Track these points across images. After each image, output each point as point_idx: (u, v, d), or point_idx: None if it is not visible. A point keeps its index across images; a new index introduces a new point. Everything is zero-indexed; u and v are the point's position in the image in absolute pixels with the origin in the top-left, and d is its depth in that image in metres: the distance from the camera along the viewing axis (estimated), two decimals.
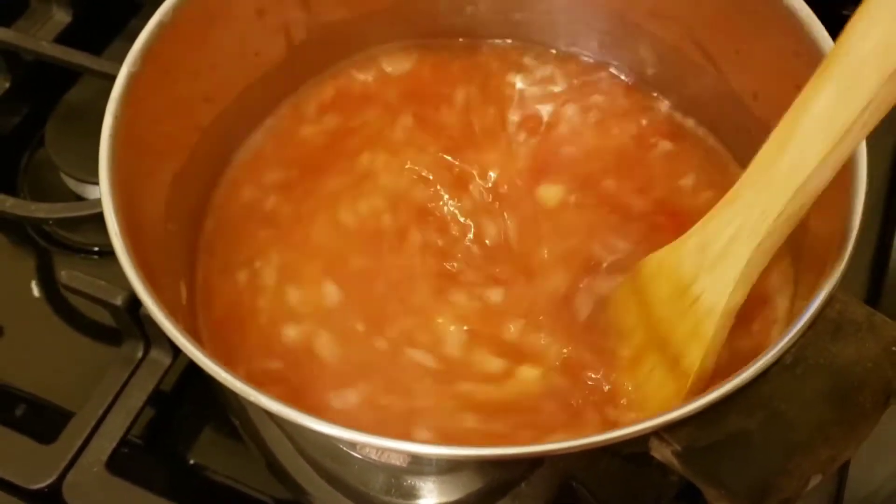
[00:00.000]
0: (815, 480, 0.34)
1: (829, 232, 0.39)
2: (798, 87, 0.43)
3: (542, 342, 0.46)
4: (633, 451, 0.39)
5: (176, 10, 0.45)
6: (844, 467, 0.50)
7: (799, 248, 0.44)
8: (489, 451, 0.35)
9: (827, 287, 0.36)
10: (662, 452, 0.35)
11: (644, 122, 0.53)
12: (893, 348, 0.35)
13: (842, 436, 0.34)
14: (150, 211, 0.44)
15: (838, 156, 0.35)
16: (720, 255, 0.37)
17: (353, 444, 0.39)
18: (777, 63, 0.46)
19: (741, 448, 0.34)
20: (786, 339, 0.35)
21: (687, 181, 0.51)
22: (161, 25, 0.45)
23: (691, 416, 0.34)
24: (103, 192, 0.40)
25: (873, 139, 0.62)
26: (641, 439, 0.35)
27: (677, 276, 0.39)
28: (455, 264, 0.49)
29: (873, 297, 0.59)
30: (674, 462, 0.35)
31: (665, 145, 0.53)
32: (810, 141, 0.35)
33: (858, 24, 0.34)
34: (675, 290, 0.39)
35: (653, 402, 0.41)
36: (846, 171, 0.38)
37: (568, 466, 0.40)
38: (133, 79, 0.43)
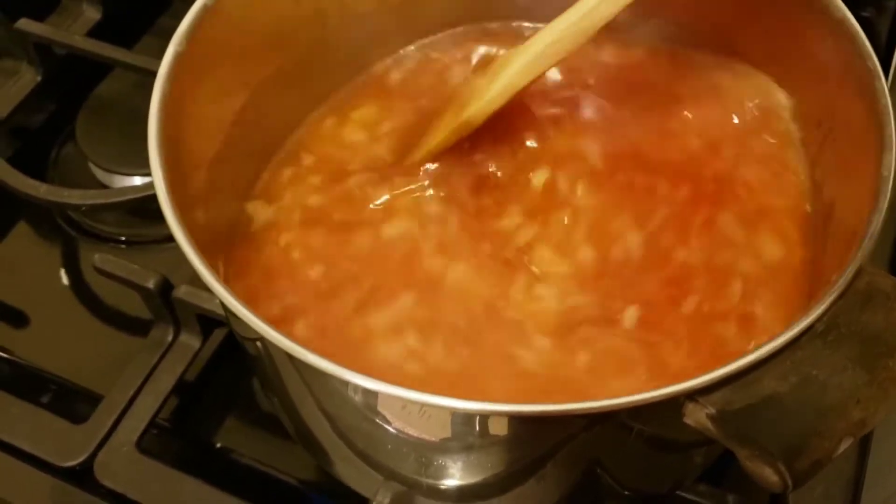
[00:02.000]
0: (847, 443, 0.35)
1: (857, 205, 0.40)
2: (825, 75, 0.45)
3: None
4: (659, 430, 0.40)
5: None
6: (860, 477, 0.52)
7: (827, 221, 0.45)
8: (519, 407, 0.36)
9: (857, 259, 0.37)
10: (697, 416, 0.36)
11: None
12: None
13: (873, 398, 0.35)
14: (193, 188, 0.46)
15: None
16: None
17: (389, 406, 0.39)
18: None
19: (775, 410, 0.35)
20: (818, 309, 0.36)
21: None
22: (204, 8, 0.46)
23: (726, 380, 0.35)
24: (153, 164, 0.41)
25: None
26: (674, 404, 0.36)
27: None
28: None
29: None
30: (708, 425, 0.35)
31: None
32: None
33: None
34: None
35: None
36: (875, 141, 0.40)
37: (595, 439, 0.41)
38: (178, 58, 0.44)
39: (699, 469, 0.49)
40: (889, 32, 0.71)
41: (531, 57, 0.49)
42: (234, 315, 0.38)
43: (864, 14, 0.70)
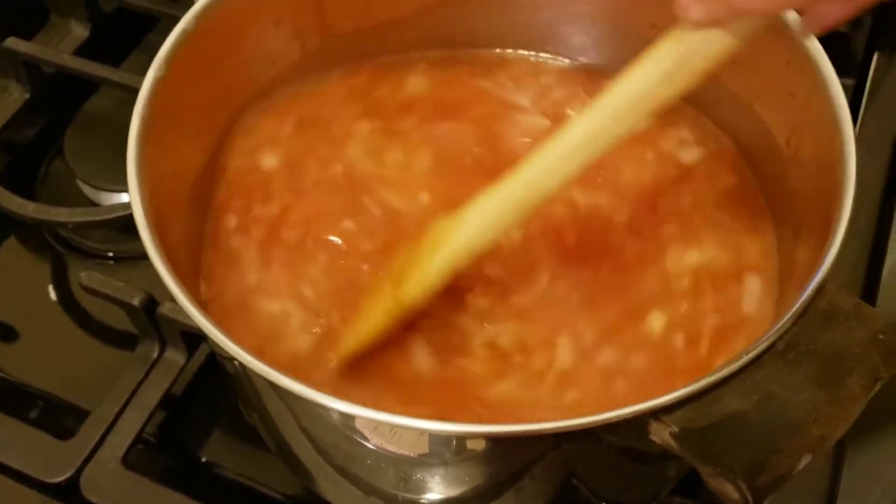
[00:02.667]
0: (807, 459, 0.36)
1: (821, 224, 0.41)
2: (791, 94, 0.46)
3: None
4: (631, 443, 0.41)
5: (198, 19, 0.48)
6: (835, 490, 0.52)
7: (796, 241, 0.46)
8: (484, 428, 0.37)
9: (817, 277, 0.38)
10: (661, 434, 0.37)
11: None
12: (880, 336, 0.37)
13: (832, 416, 0.36)
14: (174, 209, 0.46)
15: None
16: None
17: (364, 426, 0.40)
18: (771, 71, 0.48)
19: (736, 428, 0.36)
20: (778, 326, 0.37)
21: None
22: (184, 33, 0.47)
23: (688, 399, 0.36)
24: (131, 188, 0.42)
25: (869, 142, 0.65)
26: (640, 421, 0.36)
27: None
28: None
29: (869, 300, 0.61)
30: (672, 443, 0.36)
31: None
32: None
33: None
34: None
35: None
36: (838, 165, 0.41)
37: (570, 454, 0.42)
38: (159, 83, 0.45)
39: (673, 481, 0.50)
40: (865, 48, 0.72)
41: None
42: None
43: (841, 29, 0.70)
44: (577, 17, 0.56)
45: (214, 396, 0.60)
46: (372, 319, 0.46)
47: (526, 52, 0.58)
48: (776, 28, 0.44)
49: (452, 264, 0.44)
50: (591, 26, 0.56)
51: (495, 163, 0.52)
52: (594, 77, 0.57)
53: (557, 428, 0.36)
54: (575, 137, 0.41)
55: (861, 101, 0.68)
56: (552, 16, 0.56)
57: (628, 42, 0.44)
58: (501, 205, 0.43)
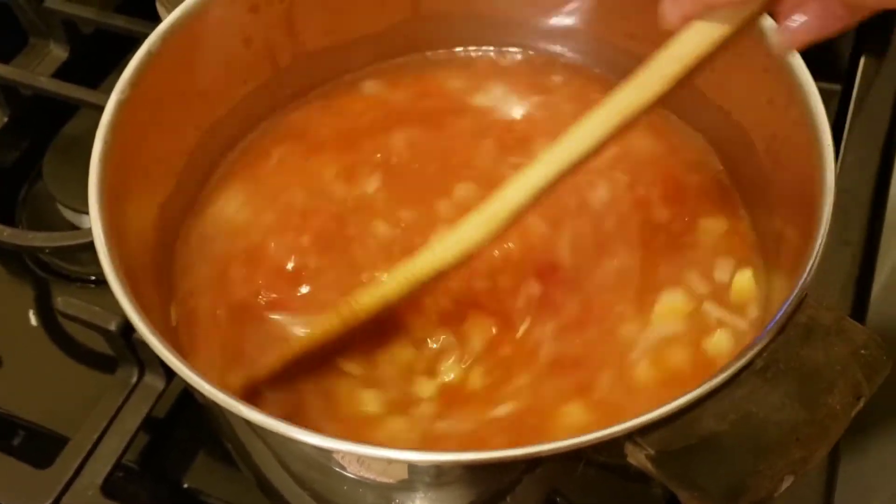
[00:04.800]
0: (788, 481, 0.34)
1: (800, 242, 0.40)
2: (770, 101, 0.45)
3: None
4: (610, 461, 0.40)
5: (164, 40, 0.47)
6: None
7: (778, 253, 0.45)
8: (460, 455, 0.36)
9: (796, 291, 0.37)
10: (637, 457, 0.35)
11: None
12: (862, 351, 0.36)
13: (813, 436, 0.35)
14: (140, 234, 0.46)
15: None
16: None
17: (342, 458, 0.39)
18: (749, 79, 0.47)
19: (714, 450, 0.34)
20: (756, 344, 0.36)
21: None
22: (149, 54, 0.46)
23: (664, 420, 0.35)
24: (92, 215, 0.41)
25: (858, 149, 0.64)
26: (616, 444, 0.35)
27: None
28: None
29: (858, 316, 0.60)
30: (648, 466, 0.35)
31: None
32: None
33: None
34: None
35: None
36: (816, 180, 0.40)
37: (549, 474, 0.41)
38: (122, 105, 0.45)
39: (661, 500, 0.49)
40: (851, 53, 0.71)
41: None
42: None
43: None
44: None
45: (197, 421, 0.59)
46: (322, 324, 0.46)
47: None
48: (753, 36, 0.44)
49: (412, 281, 0.44)
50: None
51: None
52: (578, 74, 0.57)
53: (529, 454, 0.35)
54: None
55: (848, 107, 0.67)
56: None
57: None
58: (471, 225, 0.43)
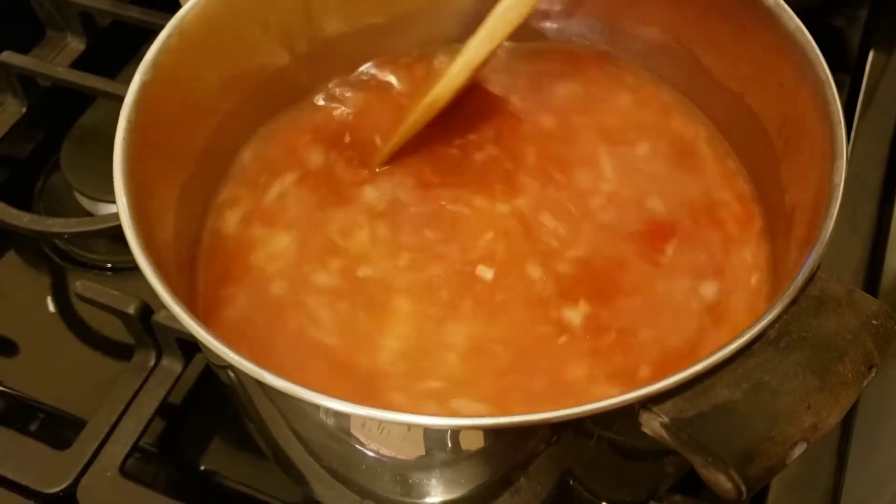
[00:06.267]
0: (801, 448, 0.35)
1: (812, 212, 0.40)
2: (781, 84, 0.46)
3: None
4: (622, 437, 0.40)
5: (184, 23, 0.48)
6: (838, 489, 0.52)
7: (789, 229, 0.45)
8: (476, 421, 0.37)
9: (807, 263, 0.38)
10: (651, 425, 0.36)
11: None
12: (873, 321, 0.37)
13: (824, 403, 0.35)
14: (162, 216, 0.46)
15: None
16: None
17: (355, 426, 0.40)
18: (760, 62, 0.48)
19: (727, 417, 0.35)
20: (768, 314, 0.37)
21: None
22: (171, 37, 0.47)
23: (678, 388, 0.35)
24: (117, 190, 0.42)
25: (868, 138, 0.65)
26: (630, 411, 0.36)
27: None
28: None
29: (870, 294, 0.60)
30: (662, 433, 0.36)
31: None
32: None
33: None
34: None
35: None
36: (828, 148, 0.40)
37: (563, 449, 0.41)
38: (145, 86, 0.45)
39: (671, 478, 0.49)
40: (861, 42, 0.71)
41: (485, 32, 0.51)
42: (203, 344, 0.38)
43: (836, 24, 0.70)
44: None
45: (214, 404, 0.60)
46: (407, 122, 0.53)
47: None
48: (762, 17, 0.44)
49: (470, 60, 0.51)
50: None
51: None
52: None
53: (546, 419, 0.35)
54: None
55: (857, 98, 0.68)
56: None
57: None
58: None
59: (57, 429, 0.60)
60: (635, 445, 0.42)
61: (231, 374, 0.44)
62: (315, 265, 0.50)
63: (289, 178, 0.53)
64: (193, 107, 0.49)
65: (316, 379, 0.45)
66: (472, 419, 0.38)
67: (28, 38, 0.77)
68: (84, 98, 0.74)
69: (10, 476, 0.55)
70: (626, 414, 0.36)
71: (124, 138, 0.43)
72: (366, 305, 0.48)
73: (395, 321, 0.48)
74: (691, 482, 0.51)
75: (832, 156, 0.41)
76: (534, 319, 0.47)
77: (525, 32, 0.55)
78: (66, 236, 0.65)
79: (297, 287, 0.49)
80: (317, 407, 0.39)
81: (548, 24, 0.59)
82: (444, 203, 0.52)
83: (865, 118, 0.68)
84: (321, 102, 0.57)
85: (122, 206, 0.41)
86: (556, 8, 0.58)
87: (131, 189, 0.42)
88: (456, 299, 0.48)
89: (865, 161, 0.66)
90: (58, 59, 0.75)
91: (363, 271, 0.50)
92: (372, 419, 0.37)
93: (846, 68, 0.71)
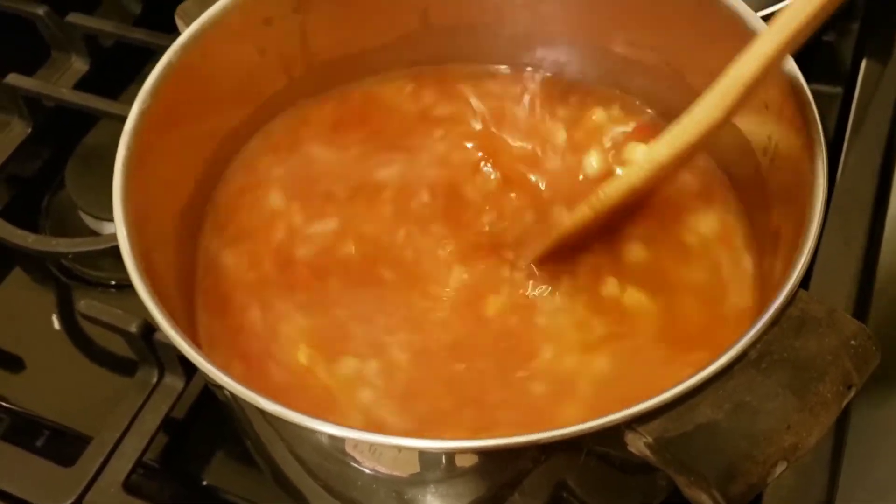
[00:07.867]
0: (781, 467, 0.36)
1: (794, 233, 0.41)
2: (766, 105, 0.46)
3: None
4: (611, 452, 0.41)
5: (183, 51, 0.49)
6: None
7: (775, 249, 0.46)
8: (461, 443, 0.38)
9: (788, 284, 0.38)
10: (637, 445, 0.37)
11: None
12: (852, 342, 0.37)
13: (804, 424, 0.36)
14: (162, 237, 0.47)
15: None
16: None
17: (349, 446, 0.41)
18: None
19: (709, 437, 0.36)
20: (749, 336, 0.37)
21: None
22: (169, 65, 0.48)
23: (661, 409, 0.36)
24: (116, 216, 0.43)
25: (860, 151, 0.65)
26: (616, 431, 0.37)
27: None
28: None
29: (861, 315, 0.61)
30: (647, 453, 0.37)
31: None
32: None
33: None
34: None
35: None
36: (808, 169, 0.41)
37: (553, 465, 0.42)
38: (143, 115, 0.46)
39: (665, 492, 0.50)
40: (853, 56, 0.72)
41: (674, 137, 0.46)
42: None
43: (827, 38, 0.71)
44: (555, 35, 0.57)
45: (216, 420, 0.61)
46: (573, 218, 0.50)
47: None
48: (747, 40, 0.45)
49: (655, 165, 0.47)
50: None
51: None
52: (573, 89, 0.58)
53: (530, 441, 0.36)
54: None
55: (850, 110, 0.68)
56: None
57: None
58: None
59: (62, 445, 0.61)
60: (627, 460, 0.43)
61: (227, 394, 0.45)
62: None
63: None
64: (191, 131, 0.50)
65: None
66: (462, 442, 0.38)
67: (33, 58, 0.78)
68: (88, 118, 0.75)
69: (16, 493, 0.55)
70: (612, 434, 0.37)
71: (124, 165, 0.44)
72: None
73: None
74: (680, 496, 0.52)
75: (813, 176, 0.41)
76: None
77: None
78: (70, 256, 0.66)
79: None
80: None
81: None
82: None
83: (858, 129, 0.68)
84: None
85: (121, 232, 0.42)
86: None
87: (130, 214, 0.43)
88: None
89: (858, 172, 0.66)
90: (62, 80, 0.76)
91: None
92: (363, 442, 0.38)
93: (838, 81, 0.71)
